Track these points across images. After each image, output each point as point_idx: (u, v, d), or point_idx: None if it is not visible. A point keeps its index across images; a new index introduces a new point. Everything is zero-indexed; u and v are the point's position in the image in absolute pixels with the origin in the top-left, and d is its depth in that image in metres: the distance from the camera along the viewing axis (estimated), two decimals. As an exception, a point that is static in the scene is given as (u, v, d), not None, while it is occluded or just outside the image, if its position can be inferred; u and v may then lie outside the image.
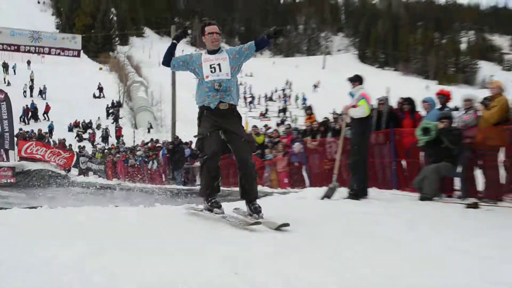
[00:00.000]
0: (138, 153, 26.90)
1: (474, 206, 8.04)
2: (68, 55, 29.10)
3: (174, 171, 20.43)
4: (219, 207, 5.69)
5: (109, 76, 71.33)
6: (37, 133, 36.07)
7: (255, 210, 5.56)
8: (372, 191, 9.43)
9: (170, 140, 23.73)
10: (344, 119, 9.61)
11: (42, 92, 57.01)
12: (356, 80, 9.38)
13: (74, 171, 29.39)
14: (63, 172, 26.81)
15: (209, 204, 5.73)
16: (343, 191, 9.06)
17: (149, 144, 28.02)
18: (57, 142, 34.65)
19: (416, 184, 9.25)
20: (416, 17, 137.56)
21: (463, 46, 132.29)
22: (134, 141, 39.02)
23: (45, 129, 41.21)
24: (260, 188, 12.48)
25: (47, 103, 52.46)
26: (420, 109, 10.84)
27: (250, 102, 64.63)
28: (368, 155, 9.84)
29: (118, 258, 3.96)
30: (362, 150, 9.23)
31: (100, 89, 62.21)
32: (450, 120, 9.35)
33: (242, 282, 3.45)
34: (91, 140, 44.80)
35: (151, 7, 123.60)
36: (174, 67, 6.15)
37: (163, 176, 22.17)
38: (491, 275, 3.80)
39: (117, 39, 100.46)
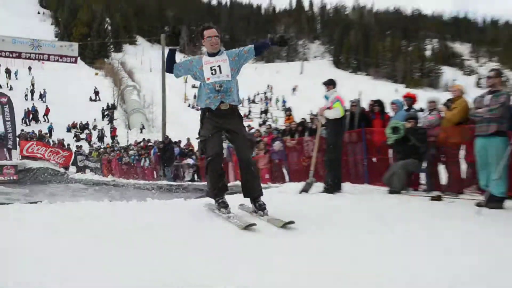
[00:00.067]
0: (131, 152, 26.86)
1: (438, 198, 8.11)
2: (66, 62, 28.91)
3: (165, 168, 20.40)
4: (226, 207, 5.42)
5: (104, 80, 71.33)
6: (37, 133, 35.92)
7: (260, 207, 5.38)
8: (346, 186, 9.48)
9: (160, 139, 23.63)
10: (320, 119, 9.63)
11: (42, 96, 56.89)
12: (330, 84, 9.44)
13: (72, 169, 29.32)
14: (62, 170, 26.71)
15: (217, 204, 5.51)
16: (319, 185, 9.10)
17: (142, 144, 27.95)
18: (56, 142, 34.61)
19: (385, 179, 9.29)
20: (385, 26, 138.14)
21: (428, 53, 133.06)
22: (127, 141, 38.86)
23: (45, 130, 41.21)
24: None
25: (47, 106, 52.38)
26: (389, 110, 10.90)
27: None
28: (342, 153, 9.87)
29: (111, 250, 3.95)
30: (336, 148, 9.27)
31: (96, 92, 62.20)
32: (416, 120, 9.41)
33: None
34: (88, 140, 44.70)
35: (142, 17, 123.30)
36: (177, 75, 5.91)
37: (155, 173, 22.09)
38: (450, 263, 3.85)
39: (111, 46, 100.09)
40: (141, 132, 49.09)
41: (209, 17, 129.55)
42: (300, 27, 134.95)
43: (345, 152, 10.65)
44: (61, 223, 4.90)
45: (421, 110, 10.47)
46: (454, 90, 9.49)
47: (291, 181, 11.72)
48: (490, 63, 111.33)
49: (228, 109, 5.46)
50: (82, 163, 30.24)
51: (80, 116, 49.99)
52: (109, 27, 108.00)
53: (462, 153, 9.06)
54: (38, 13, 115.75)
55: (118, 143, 40.28)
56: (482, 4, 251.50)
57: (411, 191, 9.37)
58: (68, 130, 47.44)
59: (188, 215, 5.81)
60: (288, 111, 17.28)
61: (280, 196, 8.55)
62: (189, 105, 64.38)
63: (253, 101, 69.33)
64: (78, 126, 48.69)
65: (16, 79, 61.08)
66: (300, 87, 78.04)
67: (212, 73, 5.41)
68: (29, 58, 28.82)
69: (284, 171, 13.37)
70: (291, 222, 4.76)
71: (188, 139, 23.07)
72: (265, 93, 75.04)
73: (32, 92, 57.19)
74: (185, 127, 32.50)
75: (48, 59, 29.00)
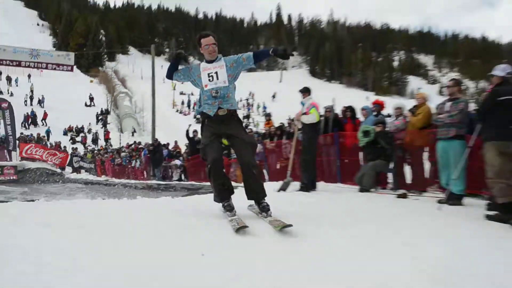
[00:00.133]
0: (123, 153, 26.76)
1: (404, 196, 8.17)
2: (62, 70, 28.75)
3: (154, 169, 20.34)
4: (231, 210, 5.12)
5: (98, 87, 70.87)
6: (36, 136, 35.67)
7: (263, 209, 5.09)
8: (320, 185, 9.51)
9: (150, 142, 23.54)
10: (297, 124, 9.66)
11: (40, 101, 56.21)
12: (306, 91, 9.48)
13: (68, 169, 29.04)
14: (58, 170, 26.48)
15: (223, 207, 5.22)
16: (296, 184, 9.11)
17: (133, 146, 27.89)
18: (53, 144, 34.30)
19: (356, 179, 9.33)
20: (356, 39, 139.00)
21: (395, 63, 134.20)
22: (120, 143, 38.60)
23: (43, 133, 40.77)
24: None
25: (45, 110, 51.77)
26: (360, 115, 10.96)
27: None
28: (317, 154, 9.91)
29: (103, 244, 3.94)
30: (311, 150, 9.31)
31: (91, 98, 61.75)
32: (384, 124, 9.48)
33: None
34: (83, 142, 44.22)
35: (134, 29, 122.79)
36: (176, 80, 5.67)
37: (145, 173, 22.02)
38: (412, 254, 3.90)
39: (105, 56, 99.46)
40: (133, 135, 48.74)
41: (196, 29, 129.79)
42: (279, 39, 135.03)
43: (319, 153, 10.68)
44: (56, 220, 4.86)
45: (389, 115, 10.55)
46: (419, 97, 9.56)
47: (271, 181, 11.72)
48: (451, 73, 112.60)
49: (226, 115, 5.20)
50: (77, 164, 29.99)
51: (76, 120, 49.57)
52: (104, 38, 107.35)
53: (425, 154, 9.14)
54: (38, 24, 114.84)
55: (111, 145, 40.11)
56: (444, 20, 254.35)
57: (379, 189, 9.41)
58: (65, 133, 46.94)
59: (180, 214, 5.78)
60: (268, 116, 17.30)
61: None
62: (177, 111, 64.16)
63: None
64: (74, 130, 48.23)
65: (17, 86, 60.66)
66: (279, 94, 78.09)
67: (209, 80, 5.16)
68: (29, 66, 28.72)
69: (264, 171, 13.39)
70: (289, 225, 4.46)
71: (176, 142, 23.02)
72: (247, 99, 74.90)
73: (31, 98, 56.59)
74: (173, 131, 32.40)
75: (46, 67, 28.85)
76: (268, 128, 14.65)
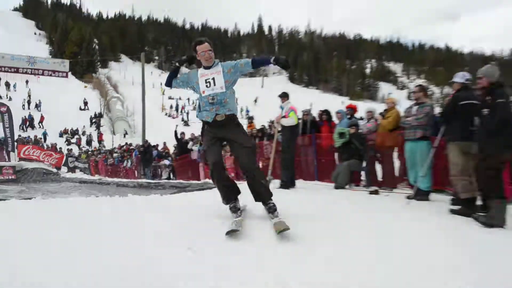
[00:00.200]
0: (116, 154, 26.53)
1: (375, 192, 8.23)
2: (58, 76, 28.57)
3: (145, 168, 20.25)
4: (235, 211, 4.89)
5: (92, 92, 70.17)
6: (33, 138, 35.27)
7: (269, 210, 4.79)
8: (299, 182, 9.55)
9: (141, 143, 23.40)
10: (277, 126, 9.68)
11: (37, 105, 55.66)
12: (285, 96, 9.52)
13: (64, 169, 28.67)
14: (54, 170, 26.09)
15: (229, 209, 4.97)
16: (276, 182, 9.12)
17: (124, 147, 27.59)
18: (49, 145, 33.87)
19: (332, 177, 9.38)
20: (332, 48, 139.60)
21: (367, 71, 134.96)
22: (112, 145, 38.19)
23: (40, 135, 40.34)
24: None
25: (41, 114, 51.25)
26: (335, 118, 11.00)
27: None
28: (295, 154, 9.94)
29: (94, 238, 3.92)
30: (290, 150, 9.34)
31: (85, 103, 61.14)
32: (357, 127, 9.54)
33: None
34: (78, 144, 43.80)
35: (126, 38, 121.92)
36: (174, 87, 5.31)
37: (136, 172, 21.90)
38: (383, 246, 3.93)
39: (98, 63, 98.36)
40: (124, 137, 48.37)
41: (183, 39, 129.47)
42: (260, 48, 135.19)
43: (298, 153, 10.72)
44: (51, 217, 4.82)
45: (361, 118, 10.61)
46: (388, 102, 9.65)
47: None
48: (418, 80, 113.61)
49: (224, 120, 4.90)
50: (72, 164, 29.68)
51: (71, 123, 49.09)
52: (97, 47, 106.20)
53: (395, 154, 9.23)
54: (35, 34, 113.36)
55: (104, 146, 39.70)
56: (411, 31, 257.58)
57: (353, 186, 9.48)
58: (60, 135, 46.40)
59: (168, 210, 5.76)
60: (250, 119, 17.21)
61: (246, 191, 8.56)
62: (166, 114, 63.73)
63: (221, 111, 69.07)
64: (69, 132, 47.72)
65: (15, 91, 59.87)
66: (261, 99, 78.02)
67: (207, 86, 4.88)
68: (26, 72, 28.50)
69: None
70: (286, 229, 4.15)
71: (165, 143, 22.87)
72: (231, 104, 74.88)
73: (29, 102, 55.89)
74: (162, 133, 32.10)
75: (43, 74, 28.66)
76: (250, 130, 14.61)
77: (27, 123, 48.18)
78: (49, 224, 4.39)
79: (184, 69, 5.27)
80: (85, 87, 74.71)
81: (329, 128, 10.87)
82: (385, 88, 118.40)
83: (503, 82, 5.72)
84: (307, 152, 11.18)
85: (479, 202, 5.88)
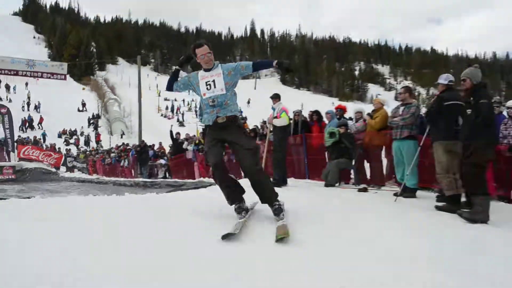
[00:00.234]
0: (113, 154, 26.44)
1: (364, 190, 8.24)
2: (56, 79, 28.46)
3: (141, 168, 20.17)
4: (239, 212, 4.68)
5: (90, 94, 70.11)
6: (32, 139, 35.16)
7: (275, 212, 4.61)
8: (290, 180, 9.55)
9: (137, 143, 23.33)
10: (269, 127, 9.69)
11: (37, 107, 55.60)
12: (276, 97, 9.51)
13: (62, 169, 28.59)
14: (53, 170, 26.04)
15: (234, 210, 4.77)
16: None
17: (121, 147, 27.53)
18: (48, 146, 33.71)
19: (323, 175, 9.38)
20: (322, 51, 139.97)
21: (356, 72, 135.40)
22: (110, 145, 38.08)
23: (39, 136, 40.30)
24: (207, 179, 12.45)
25: (41, 115, 51.15)
26: (325, 119, 11.00)
27: (200, 114, 64.02)
28: (287, 154, 9.94)
29: (91, 234, 3.90)
30: (282, 149, 9.33)
31: (83, 104, 61.11)
32: (346, 127, 9.55)
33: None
34: (76, 144, 43.63)
35: (122, 41, 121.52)
36: (176, 91, 5.11)
37: (132, 171, 21.83)
38: (373, 241, 3.94)
39: (96, 66, 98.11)
40: (121, 137, 48.27)
41: (178, 42, 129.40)
42: (253, 51, 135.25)
43: (289, 153, 10.70)
44: (50, 215, 4.79)
45: (350, 118, 10.62)
46: (376, 103, 9.64)
47: (246, 177, 11.71)
48: (405, 81, 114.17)
49: (225, 122, 4.70)
50: (71, 163, 29.59)
51: (70, 124, 48.94)
52: (94, 50, 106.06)
53: (383, 153, 9.26)
54: (34, 37, 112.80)
55: (101, 146, 39.68)
56: (398, 34, 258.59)
57: (343, 184, 9.50)
58: (59, 136, 46.21)
59: (163, 208, 5.73)
60: (243, 119, 17.24)
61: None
62: (161, 115, 63.70)
63: (215, 112, 68.85)
64: (67, 133, 47.56)
65: (15, 93, 59.90)
66: (254, 100, 78.14)
67: (207, 88, 4.71)
68: (25, 75, 28.36)
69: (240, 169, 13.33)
70: (283, 237, 3.87)
71: (160, 143, 22.85)
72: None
73: (28, 104, 55.85)
74: (158, 133, 32.11)
75: (42, 76, 28.53)
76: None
77: (27, 124, 48.02)
78: (47, 222, 4.36)
79: (182, 73, 5.14)
80: (83, 89, 74.67)
81: (319, 128, 10.86)
82: (373, 90, 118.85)
83: (485, 84, 5.78)
84: (298, 151, 11.17)
85: (463, 199, 5.92)
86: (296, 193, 7.72)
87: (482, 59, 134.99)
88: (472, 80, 5.58)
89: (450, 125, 6.15)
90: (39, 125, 48.93)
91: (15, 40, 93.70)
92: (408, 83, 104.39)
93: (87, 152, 33.30)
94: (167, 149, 20.57)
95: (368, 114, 9.72)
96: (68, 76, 32.20)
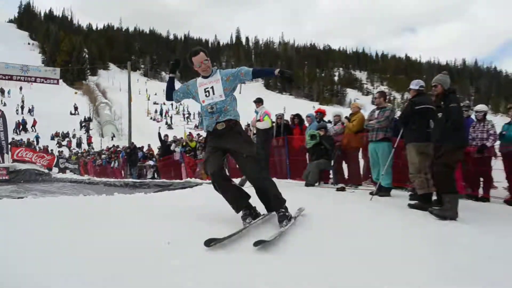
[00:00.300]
0: (104, 155, 26.25)
1: (342, 189, 8.26)
2: (49, 83, 28.14)
3: (131, 169, 20.05)
4: (245, 219, 4.29)
5: (82, 98, 69.58)
6: (26, 141, 34.59)
7: (279, 219, 4.24)
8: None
9: (127, 145, 23.17)
10: (252, 129, 9.69)
11: (30, 110, 54.95)
12: (259, 101, 9.54)
13: (55, 170, 28.24)
14: (46, 171, 25.71)
15: (241, 217, 4.37)
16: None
17: (112, 149, 27.31)
18: (41, 148, 33.26)
19: (303, 175, 9.39)
20: (303, 58, 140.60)
21: (336, 78, 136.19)
22: (101, 147, 37.70)
23: (32, 138, 39.62)
24: (194, 180, 12.40)
25: (34, 118, 50.47)
26: (306, 122, 11.02)
27: (187, 117, 63.94)
28: (269, 155, 9.94)
29: (81, 232, 3.85)
30: (265, 151, 9.33)
31: (75, 108, 60.54)
32: (326, 129, 9.58)
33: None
34: (68, 146, 43.13)
35: (114, 48, 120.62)
36: (177, 100, 4.82)
37: (122, 172, 21.66)
38: (350, 237, 3.95)
39: (88, 71, 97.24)
40: (112, 139, 47.75)
41: (167, 49, 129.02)
42: (238, 58, 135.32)
43: (272, 154, 10.71)
44: (41, 214, 4.72)
45: (329, 122, 10.66)
46: (353, 107, 9.73)
47: (231, 177, 11.68)
48: (381, 87, 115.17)
49: (225, 128, 4.38)
50: (63, 165, 29.21)
51: (62, 127, 48.41)
52: (87, 56, 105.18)
53: (360, 154, 9.31)
54: (28, 44, 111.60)
55: (93, 148, 39.28)
56: (375, 42, 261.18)
57: (322, 184, 9.53)
58: (52, 138, 45.62)
59: (150, 207, 5.69)
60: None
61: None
62: (151, 118, 63.19)
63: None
64: (60, 135, 47.02)
65: (9, 97, 59.41)
66: (238, 104, 78.08)
67: (206, 95, 4.42)
68: (19, 80, 28.11)
69: (226, 170, 13.31)
70: (261, 242, 3.46)
71: (149, 145, 22.69)
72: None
73: (22, 107, 55.20)
74: (147, 136, 31.84)
75: (35, 81, 28.25)
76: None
77: (21, 127, 47.47)
78: (39, 222, 4.30)
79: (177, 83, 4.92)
80: (76, 93, 74.01)
81: (300, 130, 10.88)
82: (352, 94, 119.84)
83: (455, 89, 5.86)
84: (280, 152, 11.17)
85: (434, 197, 5.98)
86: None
87: (452, 65, 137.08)
88: (443, 85, 5.64)
89: (422, 128, 6.21)
90: (33, 127, 48.29)
91: (10, 46, 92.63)
92: (384, 88, 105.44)
93: (79, 154, 32.94)
94: (156, 151, 20.46)
95: (346, 117, 9.77)
96: (61, 81, 31.88)
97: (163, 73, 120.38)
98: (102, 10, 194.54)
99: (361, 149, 9.14)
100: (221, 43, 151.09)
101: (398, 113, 8.35)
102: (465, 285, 2.88)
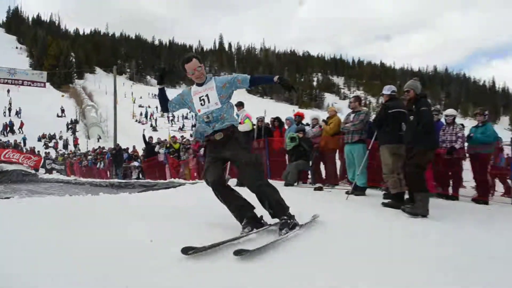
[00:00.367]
0: (90, 156, 25.94)
1: (320, 189, 8.31)
2: (36, 86, 27.96)
3: (116, 169, 19.87)
4: (244, 227, 3.87)
5: (69, 101, 68.54)
6: (13, 142, 33.94)
7: (280, 226, 3.89)
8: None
9: (113, 147, 22.93)
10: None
11: (18, 113, 53.76)
12: (240, 105, 9.55)
13: (42, 171, 27.79)
14: (33, 171, 25.28)
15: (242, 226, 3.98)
16: (233, 181, 9.09)
17: (98, 150, 27.00)
18: (28, 149, 32.73)
19: (283, 175, 9.40)
20: (283, 63, 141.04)
21: (315, 83, 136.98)
22: (87, 148, 37.22)
23: (19, 140, 38.83)
24: (177, 180, 12.32)
25: (21, 120, 49.40)
26: (285, 125, 11.05)
27: (171, 120, 63.51)
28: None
29: (67, 232, 3.79)
30: (246, 152, 9.31)
31: (62, 110, 59.61)
32: (304, 132, 9.62)
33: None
34: (55, 147, 42.41)
35: (100, 52, 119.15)
36: (173, 111, 4.48)
37: (108, 172, 21.43)
38: (328, 233, 3.97)
39: (75, 75, 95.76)
40: (98, 141, 47.13)
41: (152, 54, 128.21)
42: (221, 63, 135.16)
43: (253, 155, 10.69)
44: (28, 214, 4.64)
45: (307, 124, 10.71)
46: (330, 111, 9.81)
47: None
48: (357, 91, 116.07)
49: (223, 138, 4.05)
50: (49, 166, 28.73)
51: (49, 129, 47.62)
52: (74, 60, 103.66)
53: (336, 155, 9.37)
54: (16, 48, 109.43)
55: (79, 150, 38.77)
56: (352, 49, 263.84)
57: (301, 184, 9.57)
58: (39, 139, 44.76)
59: (134, 206, 5.63)
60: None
61: (206, 189, 8.48)
62: (136, 120, 62.70)
63: (186, 117, 67.77)
64: (47, 137, 46.17)
65: (-4, 99, 57.86)
66: (221, 107, 78.04)
67: (201, 104, 4.08)
68: (7, 83, 27.86)
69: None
70: (242, 253, 3.13)
71: (134, 146, 22.53)
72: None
73: (10, 109, 54.14)
74: (132, 137, 31.63)
75: (22, 84, 27.95)
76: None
77: (8, 129, 46.47)
78: (26, 222, 4.23)
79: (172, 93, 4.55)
80: (62, 96, 72.98)
81: (280, 133, 10.91)
82: (329, 98, 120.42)
83: (425, 94, 5.97)
84: (261, 154, 11.15)
85: (407, 196, 6.05)
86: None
87: (424, 72, 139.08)
88: (415, 90, 5.73)
89: (395, 130, 6.29)
90: (20, 129, 47.32)
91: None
92: (360, 93, 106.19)
93: (65, 155, 32.47)
94: (141, 152, 20.31)
95: (323, 120, 9.83)
96: (48, 84, 31.58)
97: (148, 77, 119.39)
98: (89, 16, 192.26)
99: (337, 151, 9.20)
100: (205, 49, 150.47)
101: (373, 116, 8.46)
102: (433, 277, 2.92)
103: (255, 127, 10.42)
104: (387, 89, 6.74)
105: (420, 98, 5.69)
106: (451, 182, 8.11)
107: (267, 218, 4.09)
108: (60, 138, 47.12)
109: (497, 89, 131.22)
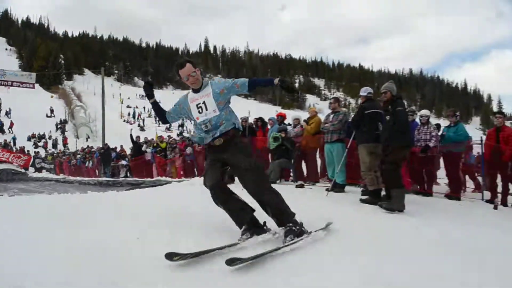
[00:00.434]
0: (79, 155, 25.59)
1: (301, 186, 8.35)
2: (25, 87, 27.50)
3: (105, 168, 19.68)
4: (242, 234, 3.58)
5: (58, 102, 67.43)
6: (3, 142, 33.29)
7: (284, 234, 3.53)
8: (237, 179, 9.50)
9: (101, 146, 22.68)
10: (218, 131, 9.63)
11: (7, 113, 52.76)
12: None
13: (31, 169, 27.33)
14: (22, 170, 24.83)
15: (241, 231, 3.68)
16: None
17: (87, 149, 26.66)
18: (18, 148, 32.13)
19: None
20: (267, 66, 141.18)
21: (297, 85, 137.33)
22: (76, 147, 36.71)
23: (9, 139, 38.15)
24: (164, 178, 12.25)
25: (11, 120, 48.50)
26: (268, 124, 11.05)
27: (159, 120, 62.97)
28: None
29: (55, 228, 3.74)
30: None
31: (51, 110, 58.72)
32: (286, 131, 9.64)
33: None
34: (44, 147, 41.71)
35: (88, 54, 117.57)
36: (172, 122, 4.25)
37: (96, 171, 21.19)
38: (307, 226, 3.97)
39: (64, 76, 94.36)
40: (87, 140, 46.55)
41: (140, 56, 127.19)
42: (207, 65, 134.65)
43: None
44: (17, 212, 4.56)
45: (289, 124, 10.74)
46: (311, 111, 9.86)
47: (199, 176, 11.60)
48: (337, 93, 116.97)
49: (222, 144, 3.72)
50: (39, 165, 28.25)
51: (38, 129, 46.83)
52: (63, 61, 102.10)
53: (317, 154, 9.41)
54: (6, 49, 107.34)
55: (68, 149, 38.24)
56: (332, 52, 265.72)
57: (283, 181, 9.58)
58: (29, 139, 43.99)
59: (121, 204, 5.57)
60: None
61: (192, 187, 8.45)
62: (124, 120, 62.03)
63: (173, 118, 67.58)
64: (36, 136, 45.40)
65: (-14, 100, 56.74)
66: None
67: (199, 112, 3.73)
68: (-4, 84, 27.19)
69: (194, 169, 13.23)
70: (235, 263, 2.82)
71: (122, 146, 22.29)
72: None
73: (-1, 110, 53.28)
74: (120, 137, 31.16)
75: (12, 85, 27.46)
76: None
77: (-2, 129, 45.58)
78: (14, 220, 4.16)
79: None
80: (52, 96, 71.74)
81: (263, 133, 10.92)
82: (311, 99, 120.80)
83: (401, 95, 6.03)
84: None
85: (383, 193, 6.11)
86: (240, 189, 7.71)
87: (401, 74, 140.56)
88: (391, 92, 5.79)
89: (372, 130, 6.35)
90: (10, 129, 46.40)
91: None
92: (340, 94, 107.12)
93: (55, 154, 31.92)
94: (128, 151, 20.13)
95: (305, 120, 9.86)
96: (37, 85, 31.09)
97: (135, 78, 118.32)
98: (78, 19, 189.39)
99: (318, 150, 9.23)
100: (190, 51, 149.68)
101: (352, 117, 8.52)
102: (408, 269, 2.95)
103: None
104: (364, 91, 6.83)
105: (396, 99, 5.76)
106: (425, 179, 8.22)
107: (272, 224, 3.74)
108: (50, 137, 46.36)
109: (468, 90, 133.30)
